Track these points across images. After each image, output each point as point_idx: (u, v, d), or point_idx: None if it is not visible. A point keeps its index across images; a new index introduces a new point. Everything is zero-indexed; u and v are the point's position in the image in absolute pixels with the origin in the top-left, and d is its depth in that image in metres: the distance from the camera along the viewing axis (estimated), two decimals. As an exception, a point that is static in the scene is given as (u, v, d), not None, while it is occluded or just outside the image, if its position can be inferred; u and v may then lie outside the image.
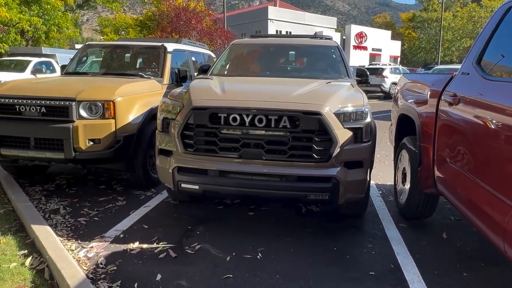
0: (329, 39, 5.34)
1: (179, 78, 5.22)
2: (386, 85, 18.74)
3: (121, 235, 3.25)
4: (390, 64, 25.10)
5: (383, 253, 3.04)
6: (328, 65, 4.60)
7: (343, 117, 3.06)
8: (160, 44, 5.46)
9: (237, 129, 3.05)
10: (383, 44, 52.83)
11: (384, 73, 19.00)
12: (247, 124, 3.00)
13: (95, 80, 4.65)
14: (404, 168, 3.82)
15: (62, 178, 4.86)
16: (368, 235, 3.38)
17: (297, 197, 3.09)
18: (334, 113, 3.02)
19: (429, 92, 3.22)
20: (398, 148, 4.10)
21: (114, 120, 3.93)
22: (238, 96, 3.24)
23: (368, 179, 3.24)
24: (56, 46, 20.72)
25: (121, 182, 4.72)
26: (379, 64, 26.28)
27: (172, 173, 3.24)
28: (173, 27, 23.71)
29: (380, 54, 52.41)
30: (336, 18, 56.61)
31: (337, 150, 2.98)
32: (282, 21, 43.76)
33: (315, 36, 5.50)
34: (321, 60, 4.69)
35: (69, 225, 3.43)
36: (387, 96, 18.13)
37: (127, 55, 5.47)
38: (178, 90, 3.70)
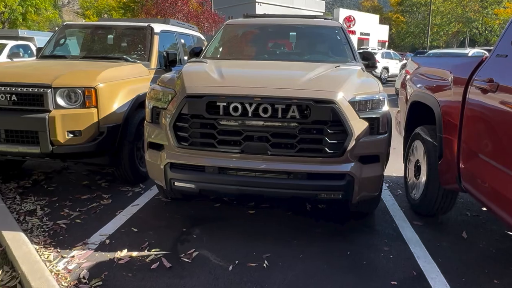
0: (329, 19, 4.94)
1: (168, 62, 4.77)
2: (378, 70, 18.43)
3: (107, 241, 2.86)
4: (381, 48, 24.81)
5: (401, 257, 2.73)
6: (333, 48, 4.21)
7: (358, 106, 2.71)
8: (146, 24, 4.97)
9: (239, 120, 2.67)
10: (371, 29, 52.45)
11: (376, 58, 18.65)
12: (250, 114, 2.62)
13: (75, 64, 4.17)
14: (418, 160, 3.51)
15: (40, 173, 4.41)
16: (382, 235, 3.07)
17: (307, 196, 2.75)
18: (349, 102, 2.66)
19: (452, 78, 2.87)
20: (409, 138, 3.77)
21: (96, 109, 3.49)
22: (239, 81, 2.84)
23: (383, 177, 2.91)
24: (35, 29, 19.71)
25: (106, 176, 4.31)
26: (368, 49, 25.97)
27: (164, 170, 2.86)
28: (158, 9, 22.85)
29: (368, 39, 52.08)
30: (324, 1, 55.81)
31: (352, 143, 2.63)
32: (270, 4, 42.84)
33: (315, 16, 5.09)
34: (325, 42, 4.30)
35: (47, 230, 3.02)
36: (379, 80, 17.84)
37: (110, 36, 4.96)
38: (169, 75, 3.28)
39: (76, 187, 4.00)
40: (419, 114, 3.66)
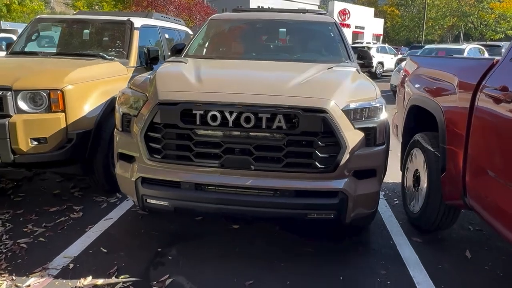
0: (323, 14, 4.61)
1: (149, 59, 4.43)
2: (373, 64, 18.12)
3: (71, 265, 2.54)
4: (376, 42, 24.51)
5: (400, 283, 2.45)
6: (326, 46, 3.89)
7: (353, 114, 2.40)
8: (125, 18, 4.61)
9: (218, 131, 2.35)
10: (366, 22, 52.10)
11: (370, 52, 18.32)
12: (230, 124, 2.30)
13: (43, 62, 3.81)
14: (417, 170, 3.22)
15: (8, 180, 4.06)
16: (378, 255, 2.78)
17: (294, 216, 2.44)
18: (342, 110, 2.35)
19: (457, 83, 2.57)
20: (408, 145, 3.48)
21: (63, 113, 3.15)
22: (219, 86, 2.52)
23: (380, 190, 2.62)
24: (19, 21, 19.10)
25: (80, 184, 3.97)
26: (363, 43, 25.65)
27: (135, 184, 2.54)
28: (149, 1, 22.31)
29: (363, 32, 51.74)
30: (319, -6, 55.28)
31: (346, 157, 2.33)
32: (264, -3, 42.32)
33: (306, 11, 4.75)
34: (317, 40, 3.98)
35: (4, 251, 2.70)
36: (373, 75, 17.56)
37: (86, 31, 4.59)
38: (142, 76, 2.95)
39: (46, 197, 3.66)
40: (418, 119, 3.38)
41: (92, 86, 3.45)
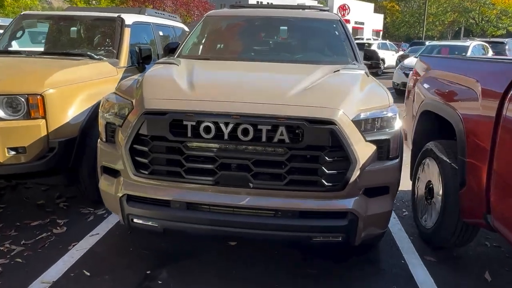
0: (325, 11, 4.32)
1: (141, 58, 4.16)
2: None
3: (49, 292, 2.29)
4: (376, 39, 24.20)
5: (415, 313, 2.20)
6: (331, 45, 3.61)
7: (364, 125, 2.14)
8: (116, 15, 4.32)
9: (212, 144, 2.09)
10: (366, 18, 51.74)
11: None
12: (226, 136, 2.04)
13: (24, 63, 3.53)
14: (430, 182, 2.96)
15: (-11, 189, 3.80)
16: (389, 277, 2.53)
17: (298, 239, 2.19)
18: (352, 120, 2.09)
19: (480, 90, 2.30)
20: (419, 153, 3.22)
21: (44, 120, 2.88)
22: (213, 93, 2.24)
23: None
24: (13, 16, 18.70)
25: (66, 193, 3.70)
26: (364, 39, 25.34)
27: (120, 202, 2.28)
28: (146, -4, 21.98)
29: (362, 28, 51.39)
30: (318, -11, 54.81)
31: (356, 173, 2.07)
32: (263, -8, 41.87)
33: (308, 7, 4.47)
34: (322, 38, 3.70)
35: (-24, 275, 2.44)
36: (374, 73, 17.29)
37: (73, 29, 4.31)
38: (130, 80, 2.69)
39: (29, 209, 3.39)
40: (431, 126, 3.11)
41: (77, 89, 3.18)
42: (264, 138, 2.02)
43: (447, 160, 2.66)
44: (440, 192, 2.73)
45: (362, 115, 2.14)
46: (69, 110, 3.05)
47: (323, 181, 2.05)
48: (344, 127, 2.02)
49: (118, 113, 2.34)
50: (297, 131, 2.01)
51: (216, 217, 2.15)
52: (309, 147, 2.03)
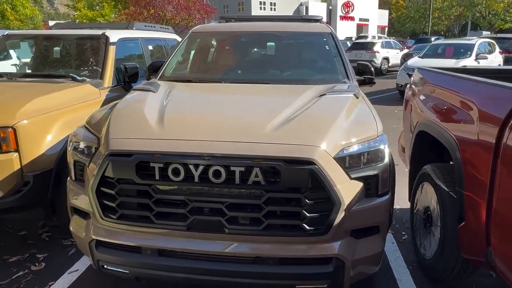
0: (318, 20, 4.12)
1: (127, 77, 4.00)
2: (378, 60, 17.50)
3: None
4: (381, 37, 23.85)
5: None
6: (321, 61, 3.42)
7: (349, 161, 1.95)
8: (100, 33, 4.17)
9: (182, 187, 1.92)
10: (371, 14, 51.28)
11: (375, 48, 17.71)
12: (196, 179, 1.86)
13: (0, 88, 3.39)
14: (428, 207, 2.76)
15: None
16: (384, 318, 2.34)
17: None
18: (334, 158, 1.90)
19: (478, 113, 2.10)
20: (417, 175, 3.01)
21: (17, 153, 2.74)
22: (183, 131, 2.06)
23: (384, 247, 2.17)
24: (15, 28, 18.77)
25: (49, 222, 3.56)
26: (368, 38, 24.99)
27: (89, 248, 2.12)
28: (147, 1, 21.89)
29: (367, 25, 50.95)
30: (321, -13, 54.38)
31: (341, 215, 1.88)
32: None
33: (301, 18, 4.27)
34: (311, 54, 3.50)
35: None
36: (378, 72, 16.98)
37: (56, 49, 4.17)
38: (101, 111, 2.52)
39: (9, 241, 3.27)
40: (428, 147, 2.91)
41: (54, 117, 3.03)
42: (237, 180, 1.84)
43: (445, 188, 2.45)
44: (439, 223, 2.53)
45: (346, 151, 1.95)
46: (44, 141, 2.91)
47: (304, 225, 1.87)
48: (325, 166, 1.83)
49: (85, 150, 2.18)
50: (274, 172, 1.83)
51: (191, 265, 1.98)
52: (288, 189, 1.85)
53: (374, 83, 3.34)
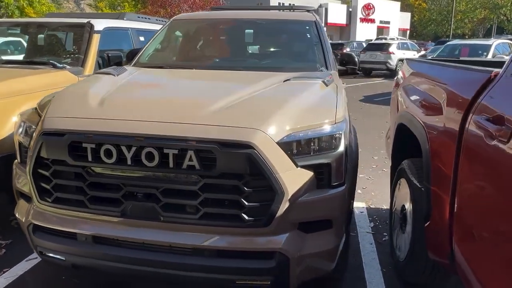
0: (310, 11, 3.95)
1: (110, 66, 3.93)
2: (393, 62, 17.05)
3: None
4: (397, 38, 23.34)
5: None
6: (300, 49, 3.25)
7: (295, 147, 1.78)
8: (85, 21, 4.12)
9: (116, 170, 1.80)
10: (392, 17, 50.39)
11: (390, 49, 17.27)
12: (129, 161, 1.74)
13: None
14: (404, 206, 2.56)
15: None
16: (343, 323, 2.16)
17: (220, 282, 1.85)
18: (278, 142, 1.74)
19: (446, 100, 1.90)
20: (396, 171, 2.82)
21: (-22, 136, 2.69)
22: (119, 111, 1.94)
23: (341, 244, 1.99)
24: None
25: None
26: (385, 39, 24.53)
27: (27, 232, 2.03)
28: (163, 0, 22.10)
29: (388, 27, 50.10)
30: (341, -12, 53.81)
31: (285, 205, 1.72)
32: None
33: (291, 8, 4.12)
34: (290, 42, 3.34)
35: None
36: (393, 74, 16.57)
37: (41, 36, 4.14)
38: (57, 92, 2.43)
39: (-22, 226, 3.22)
40: (408, 141, 2.70)
41: (20, 101, 2.97)
42: (172, 164, 1.71)
43: (417, 185, 2.25)
44: (411, 221, 2.33)
45: (294, 135, 1.78)
46: (8, 124, 2.85)
47: (244, 215, 1.72)
48: (265, 151, 1.67)
49: (28, 131, 2.09)
50: (209, 156, 1.69)
51: (125, 254, 1.85)
52: (225, 175, 1.70)
53: (357, 73, 3.19)
